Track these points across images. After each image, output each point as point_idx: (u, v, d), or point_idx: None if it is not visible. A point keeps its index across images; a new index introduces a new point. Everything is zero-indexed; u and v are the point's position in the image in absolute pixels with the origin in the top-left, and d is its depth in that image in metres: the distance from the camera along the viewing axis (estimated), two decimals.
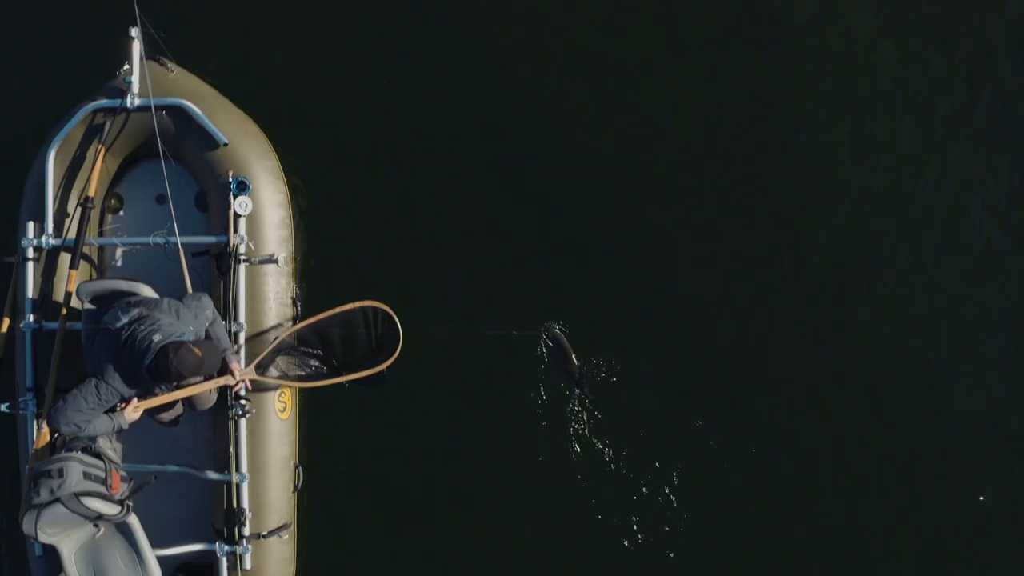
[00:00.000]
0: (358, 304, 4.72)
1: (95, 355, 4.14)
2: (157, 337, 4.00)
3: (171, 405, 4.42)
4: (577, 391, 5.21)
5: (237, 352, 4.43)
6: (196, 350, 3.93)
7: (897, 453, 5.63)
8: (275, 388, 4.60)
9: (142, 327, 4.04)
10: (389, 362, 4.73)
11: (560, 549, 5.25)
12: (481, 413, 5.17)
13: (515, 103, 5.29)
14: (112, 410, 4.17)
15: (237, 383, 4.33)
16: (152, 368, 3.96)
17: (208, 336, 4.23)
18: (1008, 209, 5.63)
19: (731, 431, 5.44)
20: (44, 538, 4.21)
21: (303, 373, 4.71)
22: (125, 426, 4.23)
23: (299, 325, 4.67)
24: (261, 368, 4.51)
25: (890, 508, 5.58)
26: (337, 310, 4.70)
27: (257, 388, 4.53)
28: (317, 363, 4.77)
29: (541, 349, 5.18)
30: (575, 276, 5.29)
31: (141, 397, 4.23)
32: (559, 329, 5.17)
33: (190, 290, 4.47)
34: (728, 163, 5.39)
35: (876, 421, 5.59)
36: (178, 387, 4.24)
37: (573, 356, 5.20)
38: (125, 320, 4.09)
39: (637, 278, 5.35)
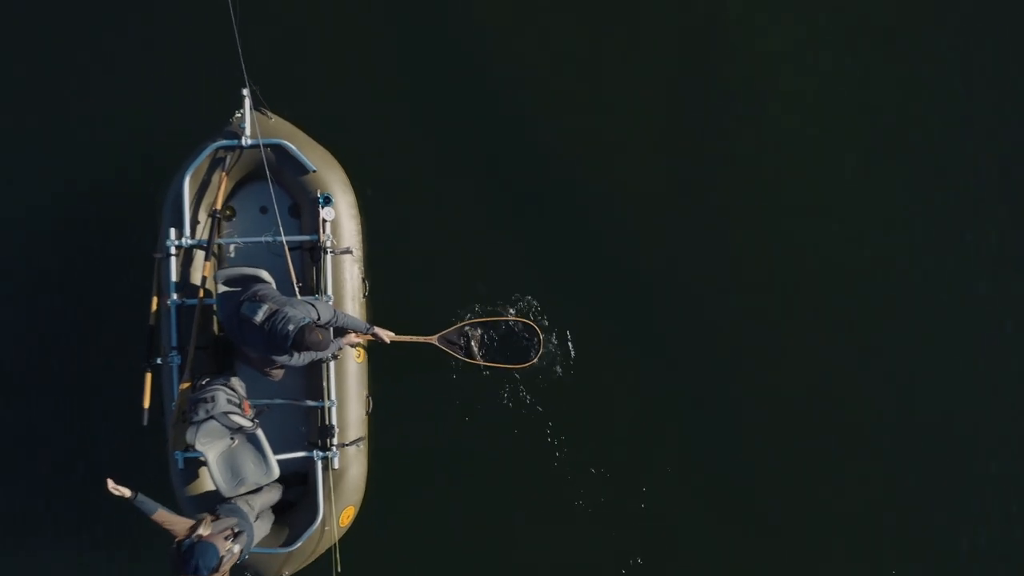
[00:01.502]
0: (514, 318, 6.98)
1: (249, 340, 5.96)
2: (291, 326, 5.79)
3: (279, 364, 6.27)
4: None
5: (372, 326, 6.45)
6: (319, 332, 5.78)
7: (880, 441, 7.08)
8: (412, 344, 6.77)
9: (277, 320, 5.82)
10: (524, 365, 6.99)
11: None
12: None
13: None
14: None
15: (386, 341, 6.53)
16: (295, 342, 5.78)
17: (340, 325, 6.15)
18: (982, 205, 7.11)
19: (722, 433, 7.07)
20: (199, 446, 6.06)
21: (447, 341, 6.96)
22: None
23: (474, 320, 6.88)
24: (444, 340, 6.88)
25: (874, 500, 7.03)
26: (498, 319, 6.97)
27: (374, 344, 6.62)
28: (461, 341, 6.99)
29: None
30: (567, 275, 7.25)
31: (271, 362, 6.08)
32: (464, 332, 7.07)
33: (292, 272, 6.33)
34: (710, 162, 7.17)
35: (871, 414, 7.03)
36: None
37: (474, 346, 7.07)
38: (262, 316, 5.88)
39: (632, 282, 7.16)
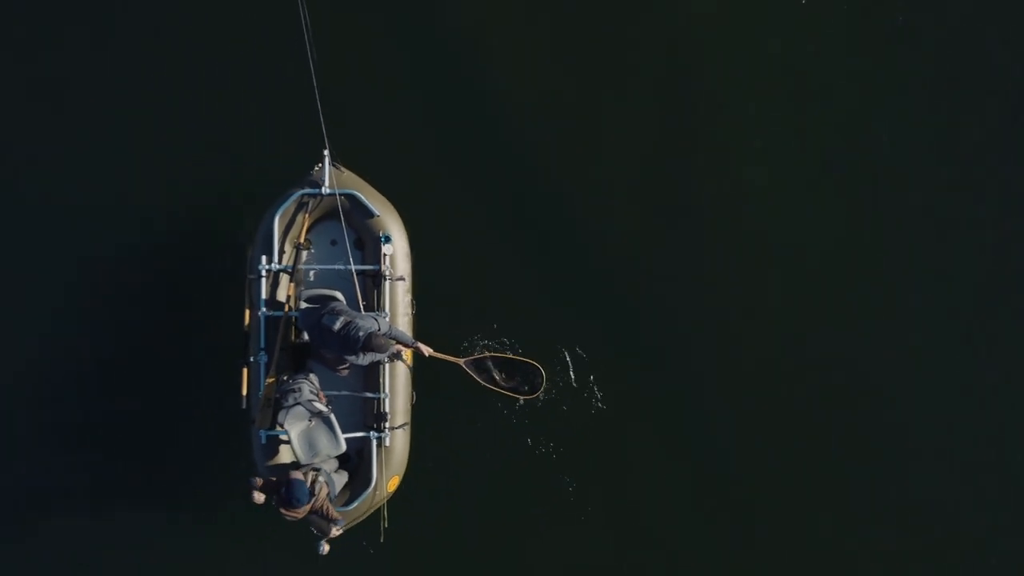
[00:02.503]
0: (524, 359, 8.80)
1: (326, 341, 7.83)
2: (362, 333, 7.65)
3: (348, 363, 8.12)
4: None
5: (416, 340, 8.24)
6: (381, 339, 7.65)
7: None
8: (442, 360, 8.52)
9: (351, 328, 7.68)
10: (529, 396, 8.77)
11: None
12: None
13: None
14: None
15: (427, 354, 8.25)
16: (364, 345, 7.64)
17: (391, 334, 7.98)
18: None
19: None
20: (286, 425, 7.90)
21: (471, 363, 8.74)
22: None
23: (490, 354, 8.70)
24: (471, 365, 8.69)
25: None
26: (513, 356, 8.82)
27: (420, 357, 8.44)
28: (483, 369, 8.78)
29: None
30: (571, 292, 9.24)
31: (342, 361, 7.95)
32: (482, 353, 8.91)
33: (358, 294, 8.20)
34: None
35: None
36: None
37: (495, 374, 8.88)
38: (339, 325, 7.74)
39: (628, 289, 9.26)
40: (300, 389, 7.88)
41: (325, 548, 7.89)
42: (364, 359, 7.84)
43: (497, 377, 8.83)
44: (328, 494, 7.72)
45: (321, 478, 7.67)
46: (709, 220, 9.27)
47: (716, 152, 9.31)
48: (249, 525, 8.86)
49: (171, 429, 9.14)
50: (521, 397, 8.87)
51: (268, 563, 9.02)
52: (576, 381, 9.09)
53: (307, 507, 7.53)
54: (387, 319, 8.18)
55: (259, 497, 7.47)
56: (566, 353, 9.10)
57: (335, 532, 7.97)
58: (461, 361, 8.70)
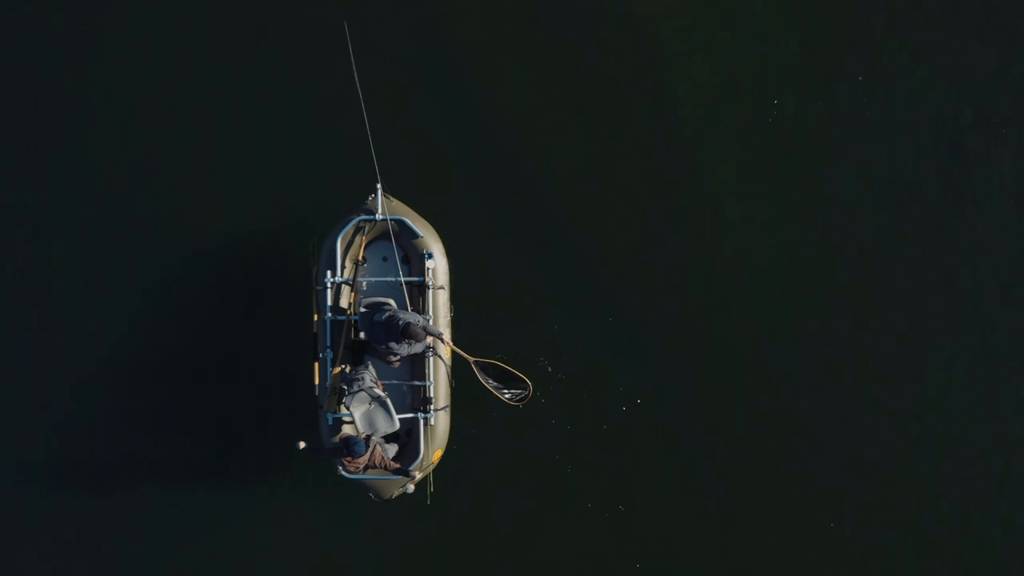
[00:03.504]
0: (520, 375, 10.27)
1: (375, 334, 9.71)
2: (401, 322, 9.57)
3: (396, 354, 9.99)
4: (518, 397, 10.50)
5: (443, 333, 10.06)
6: (416, 328, 9.53)
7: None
8: (457, 355, 10.25)
9: (393, 319, 9.60)
10: (514, 403, 10.39)
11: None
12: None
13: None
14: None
15: (449, 349, 10.06)
16: (403, 331, 9.53)
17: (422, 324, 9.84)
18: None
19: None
20: (352, 408, 9.77)
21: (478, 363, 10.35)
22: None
23: (494, 362, 10.22)
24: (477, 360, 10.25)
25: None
26: (511, 369, 10.23)
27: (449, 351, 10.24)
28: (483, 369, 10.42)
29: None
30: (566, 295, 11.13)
31: (390, 351, 9.82)
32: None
33: (407, 301, 10.07)
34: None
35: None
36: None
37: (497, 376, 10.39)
38: (385, 318, 9.66)
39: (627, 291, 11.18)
40: (362, 378, 9.76)
41: (411, 487, 9.87)
42: (406, 348, 9.68)
43: (493, 381, 10.34)
44: (383, 455, 9.62)
45: (375, 438, 9.59)
46: (717, 247, 11.13)
47: (712, 180, 11.16)
48: (319, 493, 10.79)
49: (248, 413, 11.04)
50: (507, 402, 10.39)
51: (336, 521, 10.92)
52: (584, 375, 10.96)
53: (365, 458, 9.48)
54: (429, 319, 10.03)
55: (301, 444, 9.46)
56: (572, 352, 10.97)
57: (412, 482, 9.84)
58: (472, 359, 10.43)
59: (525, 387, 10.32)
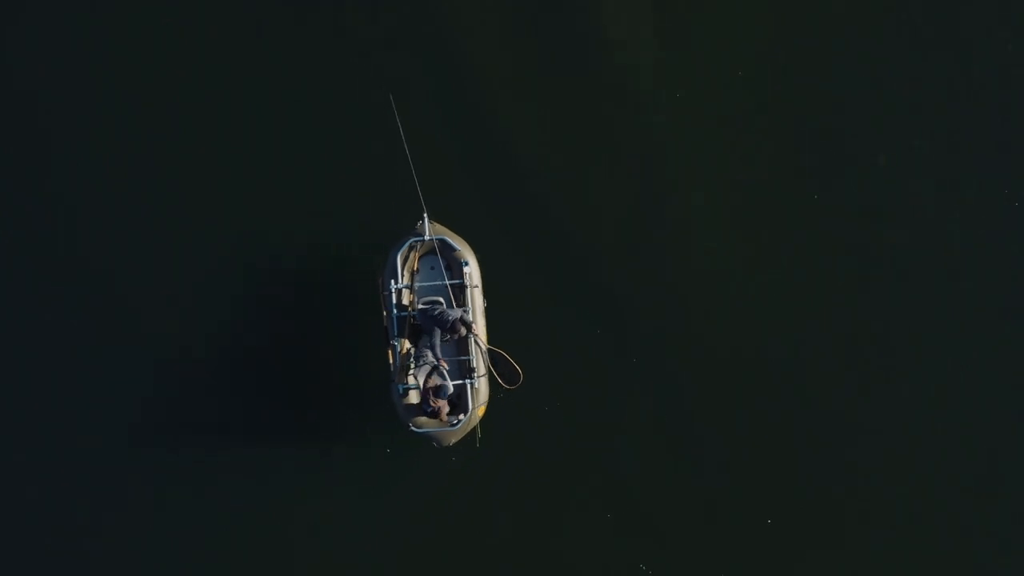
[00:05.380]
0: (517, 366, 13.63)
1: (429, 325, 13.33)
2: (449, 317, 13.18)
3: (445, 337, 13.59)
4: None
5: (474, 324, 13.63)
6: (458, 322, 13.13)
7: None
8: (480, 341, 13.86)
9: (441, 314, 13.20)
10: (506, 386, 13.87)
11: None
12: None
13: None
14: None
15: (476, 332, 13.59)
16: (450, 326, 13.14)
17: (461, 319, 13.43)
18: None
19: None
20: (418, 377, 13.34)
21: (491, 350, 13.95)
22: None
23: (498, 350, 13.78)
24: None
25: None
26: (509, 358, 13.55)
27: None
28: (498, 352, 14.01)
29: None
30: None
31: (441, 336, 13.43)
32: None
33: (452, 298, 13.66)
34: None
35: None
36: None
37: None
38: (436, 313, 13.27)
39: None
40: (425, 355, 13.34)
41: (478, 428, 13.69)
42: (450, 334, 13.29)
43: (496, 365, 13.64)
44: (444, 410, 13.25)
45: (442, 389, 13.18)
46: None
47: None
48: (386, 451, 14.41)
49: (328, 393, 14.57)
50: (502, 384, 13.64)
51: (398, 473, 14.50)
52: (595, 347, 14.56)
53: (444, 402, 13.05)
54: (468, 311, 13.61)
55: (410, 425, 13.07)
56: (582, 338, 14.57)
57: (456, 432, 13.45)
58: (485, 347, 13.86)
59: (517, 376, 13.73)
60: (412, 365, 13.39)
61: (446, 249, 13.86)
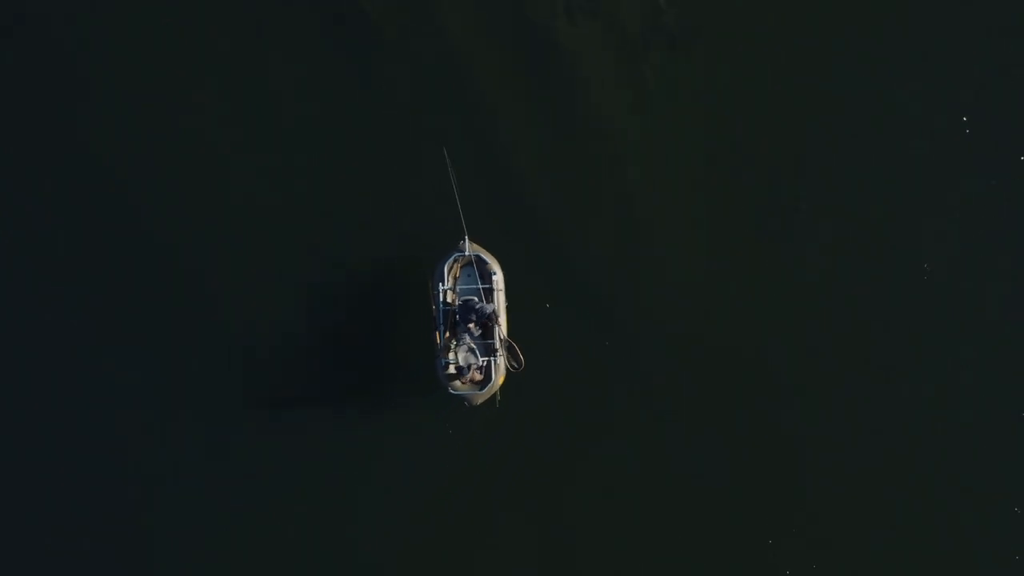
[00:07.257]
0: (520, 353, 18.66)
1: (467, 317, 18.47)
2: (486, 311, 18.32)
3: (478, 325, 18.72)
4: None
5: (499, 316, 18.69)
6: (490, 315, 18.28)
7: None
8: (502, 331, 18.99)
9: (478, 308, 18.35)
10: (511, 369, 18.89)
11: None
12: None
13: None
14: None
15: (500, 325, 18.64)
16: (484, 318, 18.27)
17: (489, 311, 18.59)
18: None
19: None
20: (458, 354, 18.46)
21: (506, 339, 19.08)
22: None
23: (513, 343, 19.00)
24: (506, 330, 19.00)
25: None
26: (517, 348, 18.64)
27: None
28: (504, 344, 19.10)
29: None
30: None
31: (476, 325, 18.58)
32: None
33: (483, 297, 18.77)
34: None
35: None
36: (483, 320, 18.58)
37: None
38: (476, 307, 18.43)
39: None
40: (463, 338, 18.51)
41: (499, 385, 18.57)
42: (482, 324, 18.43)
43: (508, 350, 18.56)
44: (475, 376, 18.29)
45: (473, 367, 18.16)
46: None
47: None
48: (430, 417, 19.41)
49: (379, 373, 19.57)
50: (510, 366, 18.43)
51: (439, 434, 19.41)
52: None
53: (479, 363, 18.06)
54: (494, 307, 18.76)
55: (451, 390, 18.20)
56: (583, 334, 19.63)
57: (482, 395, 18.48)
58: (502, 337, 18.98)
59: (520, 363, 18.58)
60: (453, 345, 18.55)
61: (480, 262, 19.03)
